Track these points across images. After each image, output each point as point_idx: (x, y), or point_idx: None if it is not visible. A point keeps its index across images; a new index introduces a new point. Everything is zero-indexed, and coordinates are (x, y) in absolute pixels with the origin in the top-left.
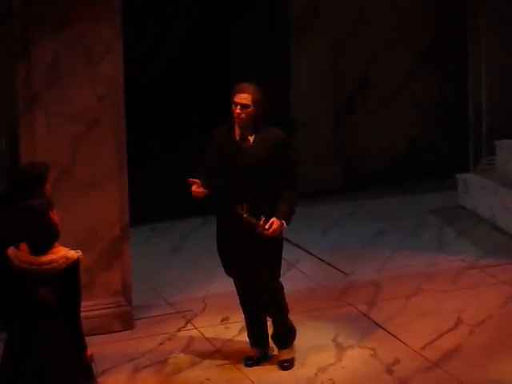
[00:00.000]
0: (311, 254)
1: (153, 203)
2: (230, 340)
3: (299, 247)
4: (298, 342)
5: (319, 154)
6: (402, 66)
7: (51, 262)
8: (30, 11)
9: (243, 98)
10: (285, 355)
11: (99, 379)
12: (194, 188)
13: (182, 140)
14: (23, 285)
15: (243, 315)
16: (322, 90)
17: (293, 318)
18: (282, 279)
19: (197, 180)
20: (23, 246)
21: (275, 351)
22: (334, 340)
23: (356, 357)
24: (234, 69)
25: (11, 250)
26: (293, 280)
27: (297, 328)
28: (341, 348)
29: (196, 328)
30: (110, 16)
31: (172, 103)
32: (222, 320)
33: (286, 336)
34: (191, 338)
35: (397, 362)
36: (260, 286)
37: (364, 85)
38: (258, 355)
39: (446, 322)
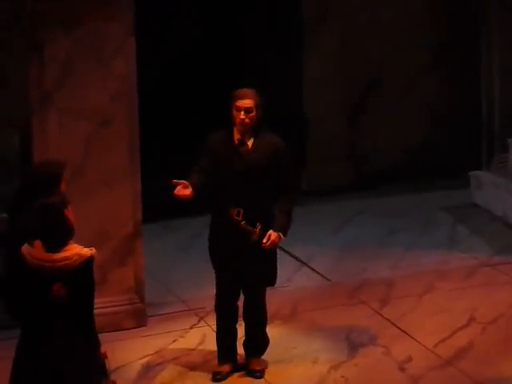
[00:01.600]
0: (308, 266)
1: (165, 201)
2: (242, 337)
3: (297, 259)
4: (311, 340)
5: (330, 152)
6: (413, 66)
7: (64, 259)
8: (42, 10)
9: (246, 103)
10: (257, 365)
11: (112, 376)
12: (177, 190)
13: (192, 139)
14: (36, 282)
15: (217, 326)
16: (334, 89)
17: (305, 315)
18: (294, 277)
19: (183, 181)
20: (37, 243)
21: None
22: (346, 337)
23: (368, 354)
24: (247, 69)
25: (25, 247)
26: (305, 277)
27: (309, 326)
28: (353, 345)
29: (208, 325)
30: (121, 14)
31: (183, 101)
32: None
33: (261, 345)
34: (204, 335)
35: (409, 359)
36: (249, 288)
37: (375, 85)
38: (228, 370)
39: (459, 319)
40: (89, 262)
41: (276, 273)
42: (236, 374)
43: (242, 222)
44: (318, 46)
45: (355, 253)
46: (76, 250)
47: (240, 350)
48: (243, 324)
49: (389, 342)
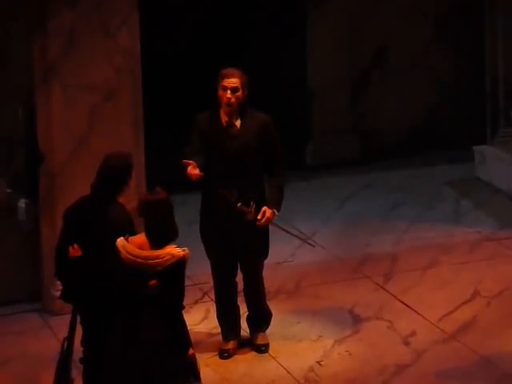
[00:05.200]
0: (308, 243)
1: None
2: (246, 312)
3: (298, 237)
4: (315, 314)
5: (336, 125)
6: (419, 39)
7: (156, 257)
8: None
9: (232, 82)
10: (262, 339)
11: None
12: (189, 169)
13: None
14: (129, 277)
15: (217, 305)
16: (339, 61)
17: (310, 290)
18: (299, 251)
19: (191, 162)
20: (132, 238)
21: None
22: (350, 312)
23: (373, 329)
24: (251, 41)
25: (120, 241)
26: (310, 252)
27: (313, 300)
28: (358, 320)
29: (212, 300)
30: None
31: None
32: (239, 291)
33: (264, 319)
34: (208, 310)
35: (413, 333)
36: (247, 264)
37: (381, 57)
38: (234, 347)
39: (463, 293)
40: (181, 262)
41: (268, 245)
42: (241, 350)
43: (238, 204)
44: (323, 20)
45: (359, 227)
46: (168, 250)
47: (244, 325)
48: (244, 300)
49: (393, 317)
